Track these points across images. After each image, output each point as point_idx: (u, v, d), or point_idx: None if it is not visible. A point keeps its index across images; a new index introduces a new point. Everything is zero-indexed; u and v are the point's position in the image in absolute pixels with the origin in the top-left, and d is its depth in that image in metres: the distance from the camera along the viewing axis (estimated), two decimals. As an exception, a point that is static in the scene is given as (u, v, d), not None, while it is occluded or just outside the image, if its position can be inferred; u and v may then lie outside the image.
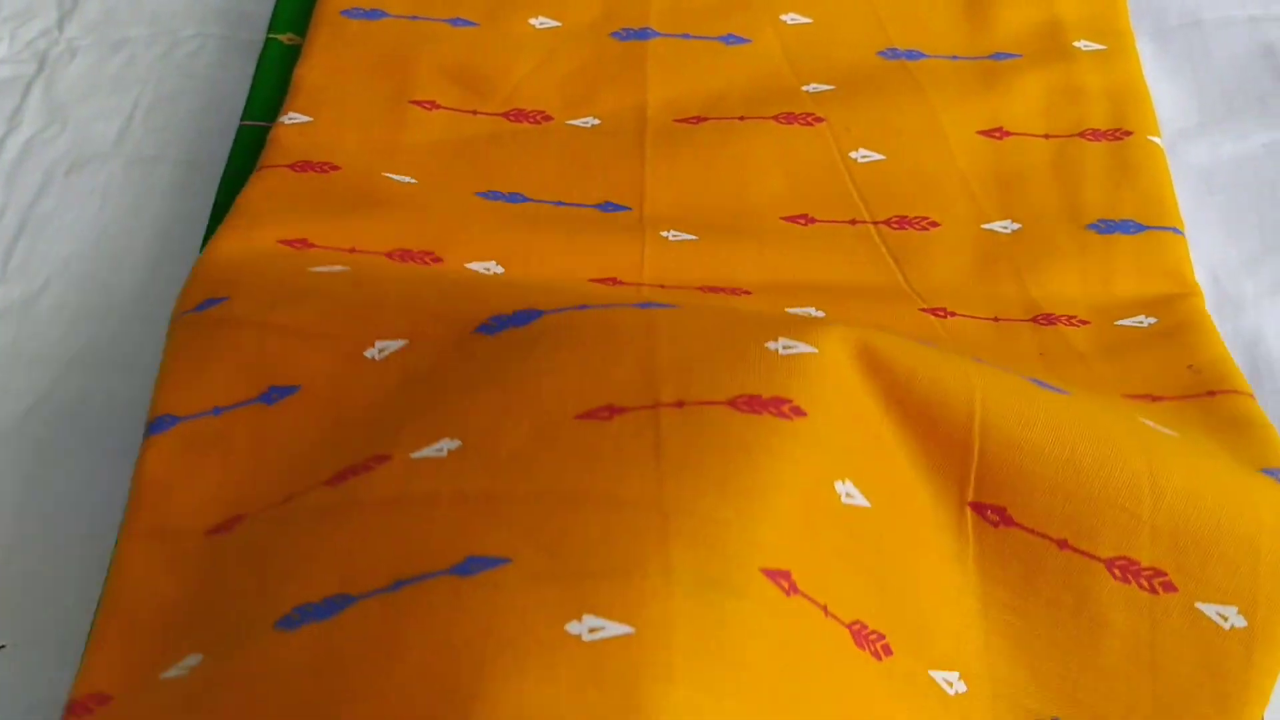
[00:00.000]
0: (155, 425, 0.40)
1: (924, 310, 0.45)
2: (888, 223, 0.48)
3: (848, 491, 0.33)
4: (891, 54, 0.54)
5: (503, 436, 0.35)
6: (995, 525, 0.35)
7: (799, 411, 0.33)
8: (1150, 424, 0.36)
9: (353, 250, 0.45)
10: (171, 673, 0.34)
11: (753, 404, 0.33)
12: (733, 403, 0.33)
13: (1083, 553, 0.35)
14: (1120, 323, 0.44)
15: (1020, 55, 0.53)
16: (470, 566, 0.31)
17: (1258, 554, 0.34)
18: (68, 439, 0.47)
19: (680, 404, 0.34)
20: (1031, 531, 0.35)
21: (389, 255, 0.45)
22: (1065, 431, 0.35)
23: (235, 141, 0.53)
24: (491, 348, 0.38)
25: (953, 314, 0.45)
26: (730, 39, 0.54)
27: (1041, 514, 0.35)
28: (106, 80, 0.60)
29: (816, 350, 0.34)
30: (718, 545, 0.30)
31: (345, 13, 0.55)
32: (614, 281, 0.45)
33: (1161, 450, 0.35)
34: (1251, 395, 0.41)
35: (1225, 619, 0.34)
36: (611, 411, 0.34)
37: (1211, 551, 0.34)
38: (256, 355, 0.41)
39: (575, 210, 0.48)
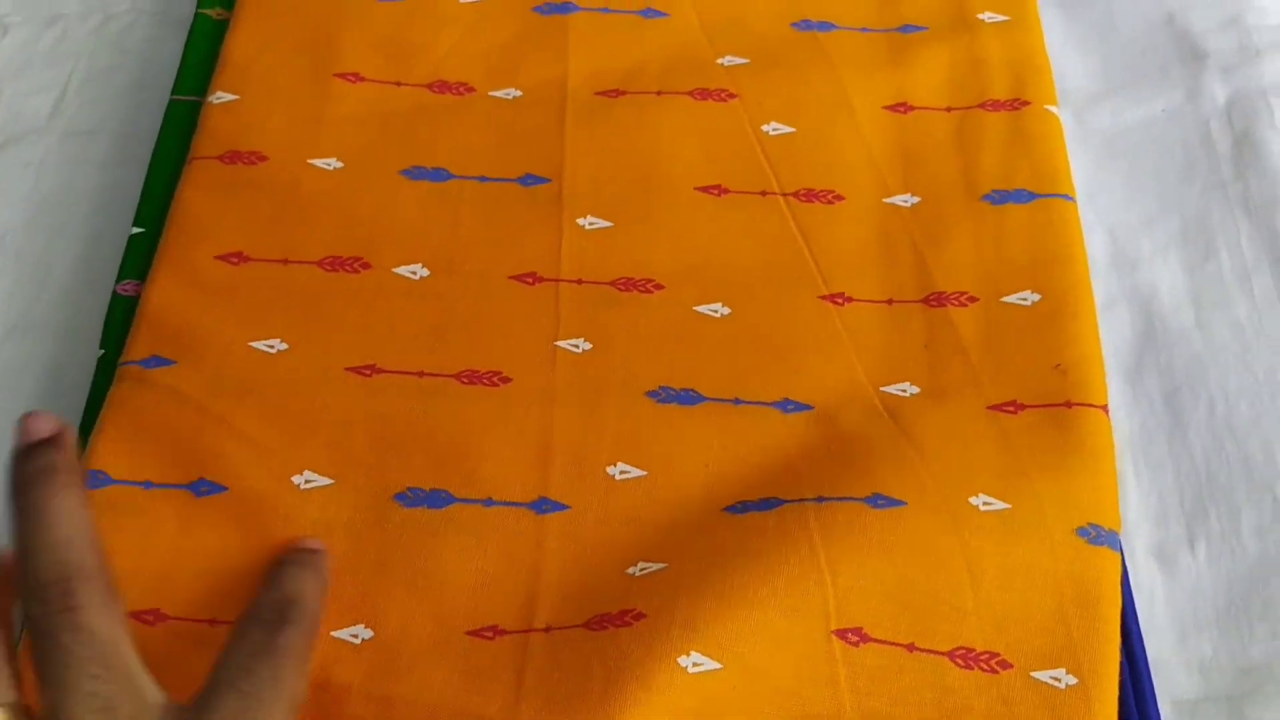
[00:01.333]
0: (89, 480, 0.42)
1: (823, 298, 0.48)
2: (796, 194, 0.51)
3: (694, 661, 0.38)
4: (804, 25, 0.56)
5: (408, 637, 0.40)
6: (855, 645, 0.39)
7: (641, 615, 0.39)
8: (977, 502, 0.42)
9: (285, 261, 0.47)
10: None
11: (603, 621, 0.40)
12: (587, 623, 0.40)
13: (928, 650, 0.40)
14: (1005, 299, 0.47)
15: (926, 28, 0.55)
16: None
17: (1067, 621, 0.40)
18: (7, 406, 0.49)
19: (548, 629, 0.40)
20: (884, 642, 0.39)
21: (320, 264, 0.48)
22: (897, 551, 0.40)
23: (166, 116, 0.54)
24: (405, 523, 0.42)
25: (850, 299, 0.48)
26: (648, 12, 0.56)
27: (889, 625, 0.40)
28: (40, 56, 0.60)
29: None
30: None
31: (271, -14, 0.56)
32: (534, 278, 0.48)
33: (978, 543, 0.41)
34: (1105, 408, 0.45)
35: (1059, 680, 0.39)
36: (495, 632, 0.40)
37: (1029, 626, 0.40)
38: (193, 442, 0.43)
39: (497, 186, 0.50)
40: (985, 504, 0.42)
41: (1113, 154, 0.57)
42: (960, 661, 0.40)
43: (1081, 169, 0.55)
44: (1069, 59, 0.60)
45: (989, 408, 0.45)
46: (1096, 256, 0.53)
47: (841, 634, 0.40)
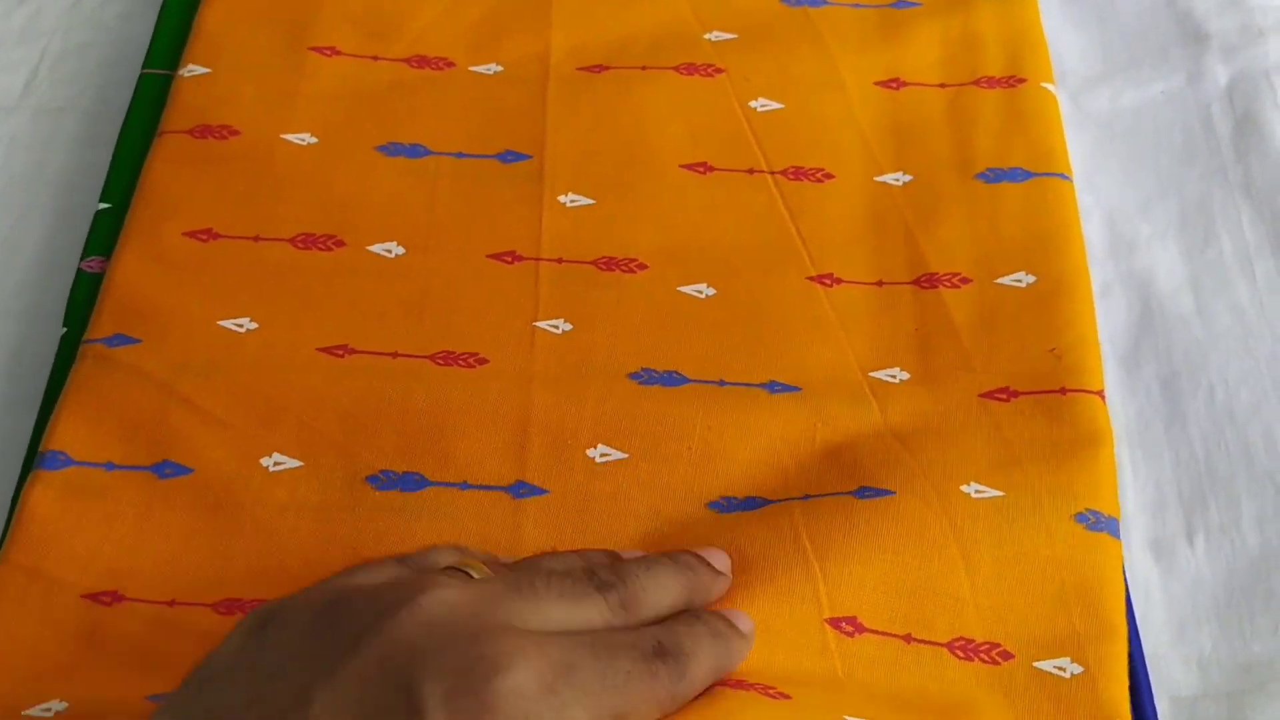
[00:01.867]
0: (48, 459, 0.41)
1: (811, 279, 0.46)
2: (784, 173, 0.49)
3: None
4: (794, 1, 0.54)
5: None
6: (850, 635, 0.38)
7: None
8: (969, 490, 0.40)
9: (257, 239, 0.46)
10: (34, 712, 0.36)
11: None
12: None
13: (926, 641, 0.38)
14: (1000, 280, 0.45)
15: (919, 4, 0.54)
16: None
17: (1069, 609, 0.38)
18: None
19: None
20: (880, 633, 0.38)
21: (292, 242, 0.46)
22: (886, 538, 0.39)
23: (136, 90, 0.53)
24: (377, 507, 0.41)
25: (839, 280, 0.46)
26: (634, -13, 0.55)
27: (885, 615, 0.38)
28: (13, 32, 0.59)
29: None
30: None
31: (246, -41, 0.54)
32: (513, 257, 0.46)
33: (973, 531, 0.39)
34: (1102, 394, 0.43)
35: (1063, 670, 0.38)
36: None
37: (1029, 615, 0.38)
38: (157, 422, 0.42)
39: (475, 163, 0.49)
40: (977, 491, 0.40)
41: (1111, 137, 0.55)
42: (960, 653, 0.38)
43: (1079, 152, 0.54)
44: (1067, 40, 0.59)
45: (981, 395, 0.43)
46: (1094, 240, 0.51)
47: (835, 623, 0.38)
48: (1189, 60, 0.57)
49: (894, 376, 0.44)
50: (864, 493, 0.40)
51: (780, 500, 0.41)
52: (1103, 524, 0.40)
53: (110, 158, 0.53)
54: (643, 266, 0.46)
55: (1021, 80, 0.51)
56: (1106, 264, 0.51)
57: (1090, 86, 0.57)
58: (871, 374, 0.44)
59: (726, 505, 0.41)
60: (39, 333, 0.49)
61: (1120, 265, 0.51)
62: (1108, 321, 0.49)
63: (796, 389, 0.43)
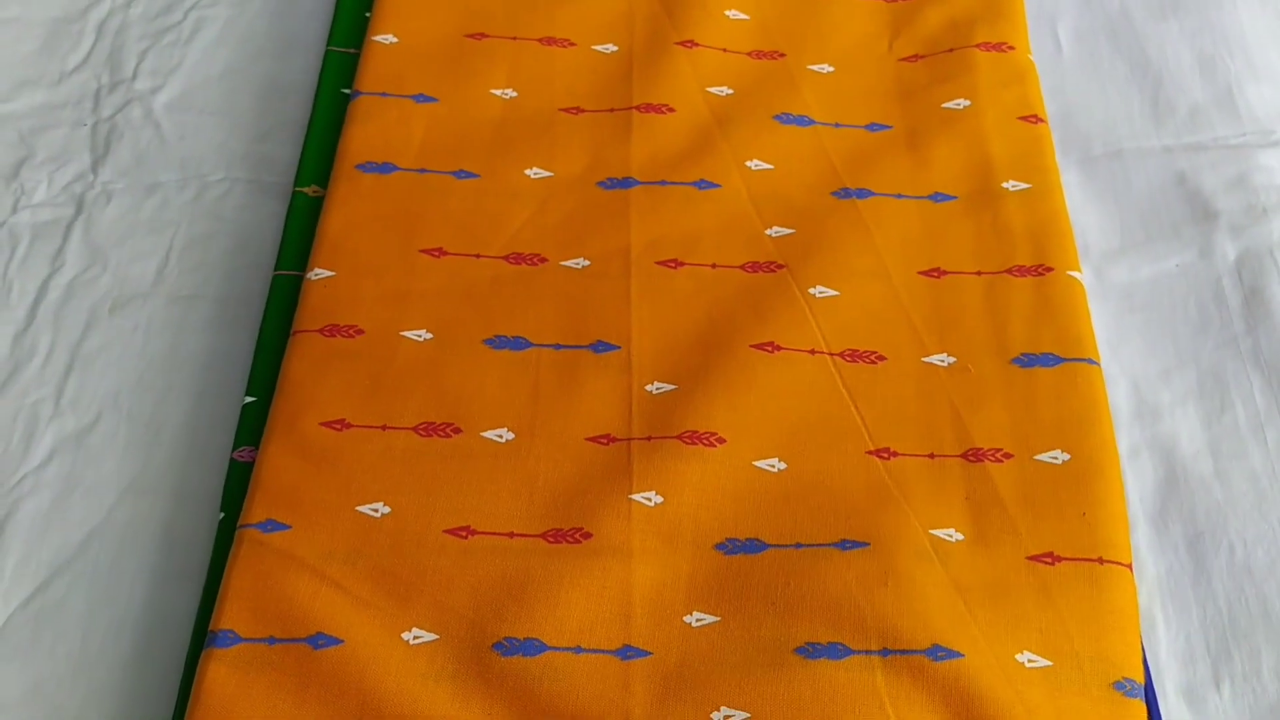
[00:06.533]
0: (220, 638, 0.47)
1: (870, 453, 0.52)
2: (842, 355, 0.55)
3: None
4: (844, 193, 0.61)
5: None
6: None
7: None
8: (1023, 659, 0.47)
9: (384, 427, 0.52)
10: None
11: None
12: None
13: None
14: (1038, 457, 0.52)
15: (956, 197, 0.61)
16: None
17: None
18: (125, 564, 0.53)
19: None
20: None
21: (415, 430, 0.53)
22: (958, 701, 0.45)
23: (271, 290, 0.60)
24: (504, 671, 0.47)
25: (895, 454, 0.52)
26: (702, 184, 0.62)
27: None
28: (142, 223, 0.66)
29: None
30: None
31: (360, 166, 0.62)
32: (608, 439, 0.53)
33: (1031, 694, 0.46)
34: (1130, 566, 0.49)
35: None
36: None
37: None
38: (310, 600, 0.48)
39: (572, 353, 0.55)
40: (1030, 661, 0.46)
41: (1131, 307, 0.62)
42: None
43: (1103, 321, 0.60)
44: (1088, 216, 0.65)
45: (1029, 558, 0.49)
46: (1120, 406, 0.58)
47: None
48: (1200, 236, 0.64)
49: (950, 536, 0.50)
50: (936, 653, 0.46)
51: (860, 652, 0.46)
52: (1135, 691, 0.46)
53: (239, 344, 0.60)
54: (721, 440, 0.53)
55: (1049, 269, 0.58)
56: (1134, 428, 0.57)
57: (1111, 260, 0.64)
58: (932, 531, 0.50)
59: (812, 651, 0.47)
60: (187, 510, 0.55)
61: (1146, 431, 0.57)
62: (1138, 483, 0.55)
63: (865, 544, 0.49)
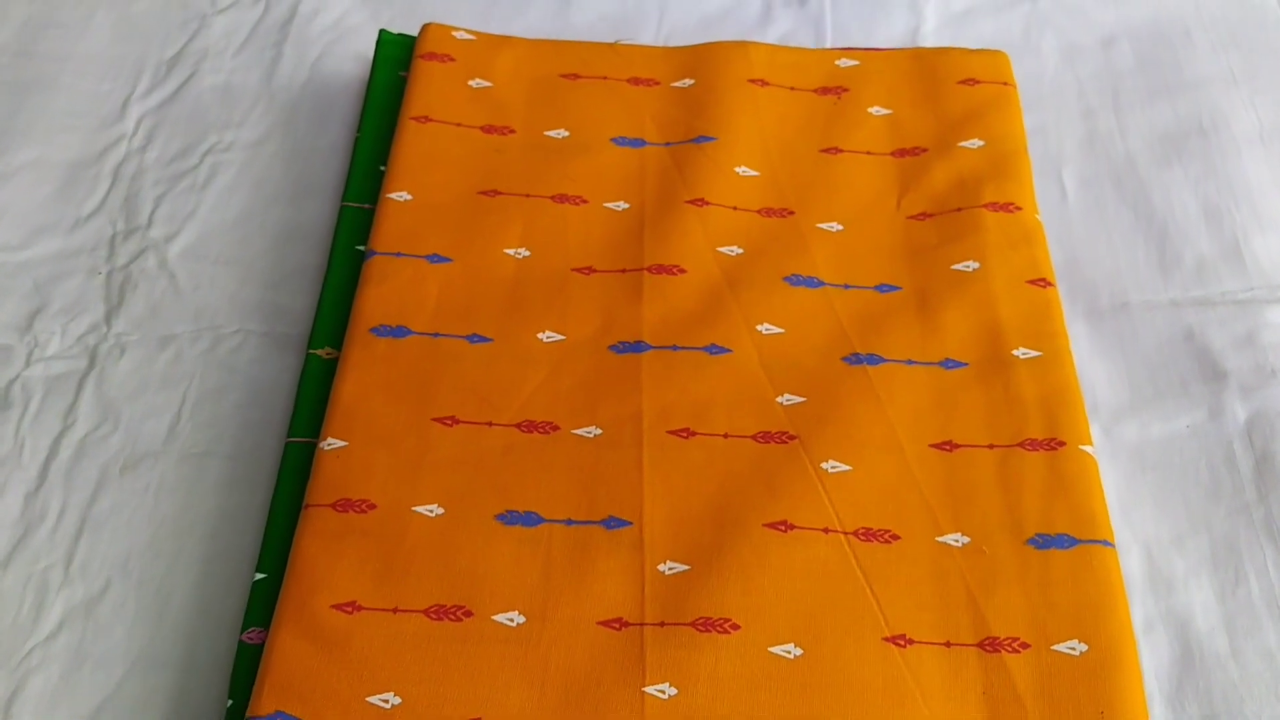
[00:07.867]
0: None
1: (887, 640, 0.52)
2: (856, 533, 0.55)
3: None
4: (854, 359, 0.62)
5: None
6: None
7: None
8: None
9: (395, 610, 0.52)
10: None
11: None
12: None
13: None
14: (1055, 648, 0.51)
15: (966, 364, 0.61)
16: None
17: None
18: (135, 741, 0.53)
19: None
20: None
21: (426, 613, 0.52)
22: None
23: (283, 459, 0.60)
24: None
25: (911, 641, 0.52)
26: (713, 349, 0.62)
27: None
28: (155, 377, 0.66)
29: None
30: None
31: (373, 330, 0.62)
32: (620, 623, 0.52)
33: None
34: None
35: None
36: None
37: None
38: None
39: (584, 530, 0.55)
40: None
41: (1142, 468, 0.62)
42: None
43: (1114, 482, 0.60)
44: (1097, 371, 0.65)
45: None
46: (1133, 575, 0.57)
47: None
48: (1209, 396, 0.64)
49: None
50: None
51: None
52: None
53: (251, 505, 0.60)
54: (735, 626, 0.52)
55: (1061, 443, 0.58)
56: (1148, 599, 0.57)
57: (1121, 418, 0.64)
58: None
59: None
60: (195, 687, 0.55)
61: (1160, 603, 0.57)
62: (1153, 659, 0.55)
63: None
